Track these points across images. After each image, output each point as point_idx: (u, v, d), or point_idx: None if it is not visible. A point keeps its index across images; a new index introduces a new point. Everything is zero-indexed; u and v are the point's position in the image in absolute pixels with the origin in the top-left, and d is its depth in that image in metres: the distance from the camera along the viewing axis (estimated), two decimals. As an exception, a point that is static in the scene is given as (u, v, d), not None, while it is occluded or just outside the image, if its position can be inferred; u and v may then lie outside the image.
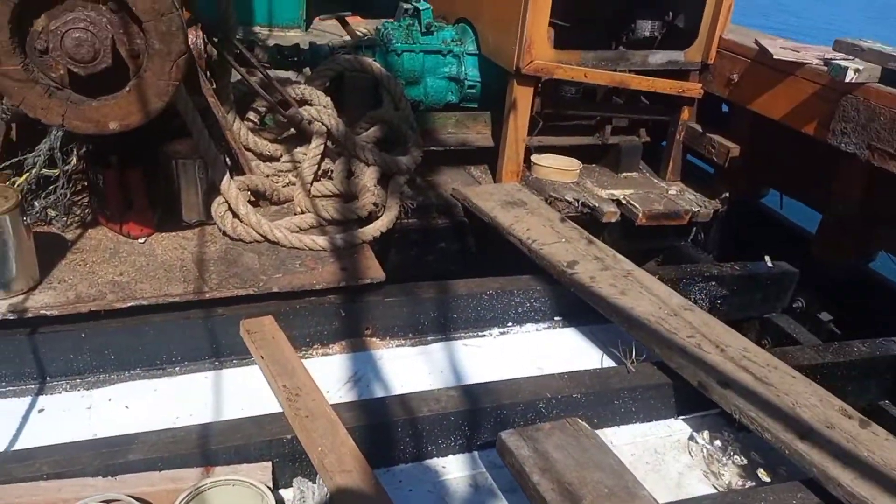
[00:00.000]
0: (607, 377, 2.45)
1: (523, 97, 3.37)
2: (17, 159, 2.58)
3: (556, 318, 2.87)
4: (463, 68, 3.66)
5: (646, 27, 3.64)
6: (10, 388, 2.27)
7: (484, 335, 2.77)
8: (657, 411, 2.47)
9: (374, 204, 2.99)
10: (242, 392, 2.34)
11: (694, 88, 3.60)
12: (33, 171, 2.55)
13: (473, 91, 3.70)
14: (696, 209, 3.59)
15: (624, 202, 3.52)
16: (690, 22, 3.60)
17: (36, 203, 2.61)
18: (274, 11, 5.72)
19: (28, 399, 2.25)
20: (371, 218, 2.98)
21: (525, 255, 2.95)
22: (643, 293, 2.71)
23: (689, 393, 2.40)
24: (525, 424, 2.19)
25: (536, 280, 2.86)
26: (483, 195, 3.29)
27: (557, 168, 3.63)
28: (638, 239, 3.57)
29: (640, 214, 3.43)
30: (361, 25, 4.63)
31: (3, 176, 2.55)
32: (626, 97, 3.80)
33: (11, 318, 2.22)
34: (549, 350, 2.73)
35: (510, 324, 2.82)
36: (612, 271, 2.81)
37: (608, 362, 2.65)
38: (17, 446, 2.07)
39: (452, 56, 3.65)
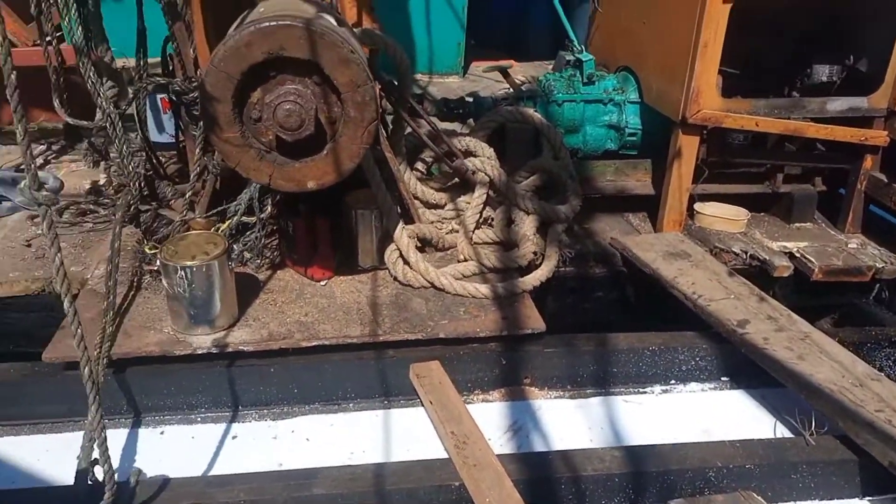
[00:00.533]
0: (783, 448, 2.32)
1: (689, 146, 3.31)
2: (221, 208, 2.92)
3: (723, 379, 2.76)
4: (624, 116, 3.65)
5: (823, 72, 3.44)
6: (209, 415, 2.55)
7: (645, 392, 2.72)
8: (840, 489, 2.29)
9: (534, 252, 3.05)
10: (409, 433, 2.46)
11: (879, 136, 3.34)
12: (235, 218, 2.87)
13: (634, 138, 3.67)
14: (880, 265, 3.30)
15: (797, 255, 3.32)
16: (874, 66, 3.36)
17: (235, 246, 2.92)
18: (434, 60, 6.06)
19: (223, 426, 2.51)
20: (531, 266, 3.04)
21: (687, 309, 2.86)
22: (823, 358, 2.54)
23: (878, 471, 2.21)
24: (693, 493, 2.13)
25: (702, 337, 2.77)
26: (643, 245, 3.24)
27: (723, 217, 3.50)
28: (812, 295, 3.34)
29: (816, 269, 3.21)
30: (519, 73, 4.76)
31: (210, 222, 2.90)
32: (799, 144, 3.59)
33: (214, 351, 2.50)
34: (716, 412, 2.62)
35: (673, 381, 2.75)
36: (788, 333, 2.65)
37: (783, 431, 2.50)
38: (215, 470, 2.31)
39: (613, 104, 3.65)
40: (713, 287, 2.91)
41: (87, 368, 1.65)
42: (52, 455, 2.36)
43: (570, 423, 2.55)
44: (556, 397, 2.68)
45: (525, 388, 2.68)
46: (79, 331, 1.62)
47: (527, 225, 3.16)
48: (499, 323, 2.67)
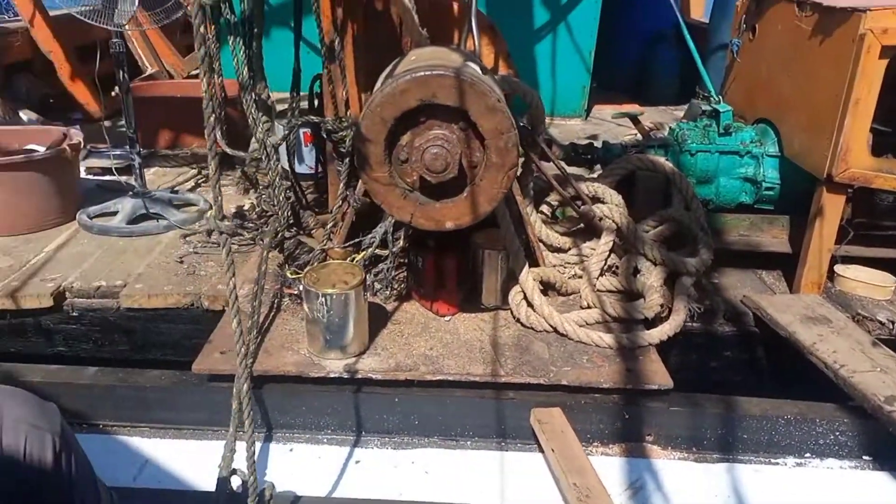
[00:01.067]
0: (938, 543, 2.13)
1: (833, 205, 3.15)
2: (357, 240, 3.07)
3: (865, 458, 2.57)
4: (761, 169, 3.53)
5: None
6: (334, 437, 2.65)
7: (777, 463, 2.58)
8: None
9: (661, 305, 2.99)
10: (525, 479, 2.45)
11: None
12: (370, 250, 3.01)
13: (771, 193, 3.54)
14: None
15: (952, 330, 3.06)
16: None
17: (367, 277, 3.05)
18: (557, 102, 6.11)
19: (347, 449, 2.61)
20: (656, 319, 2.97)
21: (826, 379, 2.70)
22: None
23: None
24: (834, 580, 1.98)
25: (842, 410, 2.60)
26: (779, 306, 3.09)
27: (868, 283, 3.28)
28: (969, 374, 3.05)
29: (976, 347, 2.94)
30: (646, 119, 4.71)
31: (346, 252, 3.05)
32: (959, 208, 3.33)
33: (345, 376, 2.61)
34: (856, 492, 2.44)
35: (808, 455, 2.58)
36: (944, 415, 2.44)
37: (936, 523, 2.29)
38: (339, 492, 2.39)
39: (751, 157, 3.54)
40: (857, 357, 2.73)
41: (245, 385, 1.78)
42: (192, 460, 2.54)
43: (693, 487, 2.46)
44: (679, 458, 2.59)
45: (647, 446, 2.61)
46: (242, 349, 1.76)
47: (654, 276, 3.11)
48: (623, 375, 2.63)
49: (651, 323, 2.95)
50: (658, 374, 2.63)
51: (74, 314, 3.19)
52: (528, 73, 5.91)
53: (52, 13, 5.98)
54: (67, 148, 3.72)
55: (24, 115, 5.34)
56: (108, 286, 3.20)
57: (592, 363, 2.70)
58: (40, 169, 3.64)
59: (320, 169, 3.95)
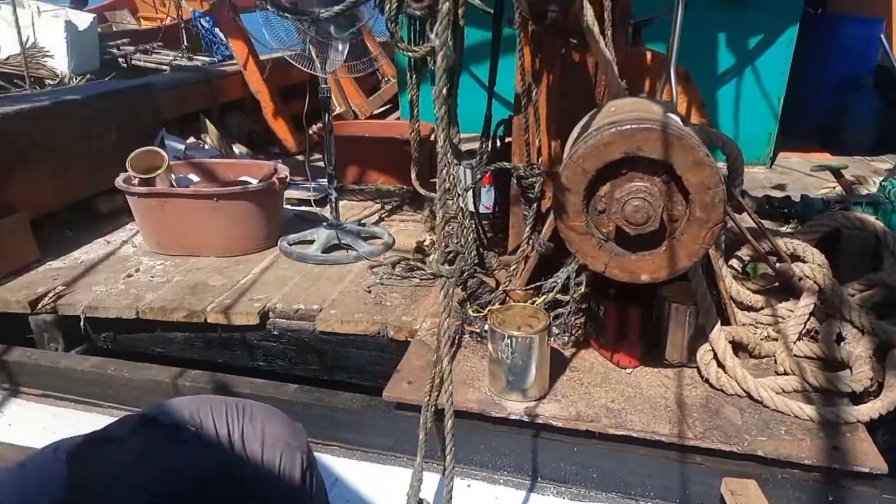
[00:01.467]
0: None
1: None
2: (537, 284, 3.10)
3: None
4: None
5: None
6: (510, 479, 2.67)
7: None
8: None
9: (871, 378, 2.72)
10: (713, 550, 2.33)
11: None
12: (550, 294, 3.03)
13: None
14: None
15: None
16: None
17: (547, 321, 3.08)
18: (740, 149, 5.81)
19: (523, 493, 2.61)
20: (862, 394, 2.71)
21: None
22: None
23: None
24: None
25: None
26: None
27: None
28: None
29: None
30: (848, 173, 4.36)
31: (527, 294, 3.10)
32: None
33: (525, 420, 2.63)
34: None
35: None
36: None
37: None
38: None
39: (981, 220, 3.17)
40: None
41: (450, 421, 1.86)
42: (377, 484, 2.68)
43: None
44: (892, 553, 2.33)
45: (853, 534, 2.38)
46: (450, 388, 1.84)
47: (861, 345, 2.84)
48: (827, 452, 2.42)
49: (857, 398, 2.70)
50: (869, 456, 2.39)
51: (275, 333, 3.50)
52: (711, 117, 5.70)
53: (261, 57, 6.72)
54: (277, 181, 4.13)
55: (237, 149, 6.01)
56: (305, 309, 3.48)
57: (792, 435, 2.51)
58: (254, 199, 4.07)
59: (498, 210, 4.07)
